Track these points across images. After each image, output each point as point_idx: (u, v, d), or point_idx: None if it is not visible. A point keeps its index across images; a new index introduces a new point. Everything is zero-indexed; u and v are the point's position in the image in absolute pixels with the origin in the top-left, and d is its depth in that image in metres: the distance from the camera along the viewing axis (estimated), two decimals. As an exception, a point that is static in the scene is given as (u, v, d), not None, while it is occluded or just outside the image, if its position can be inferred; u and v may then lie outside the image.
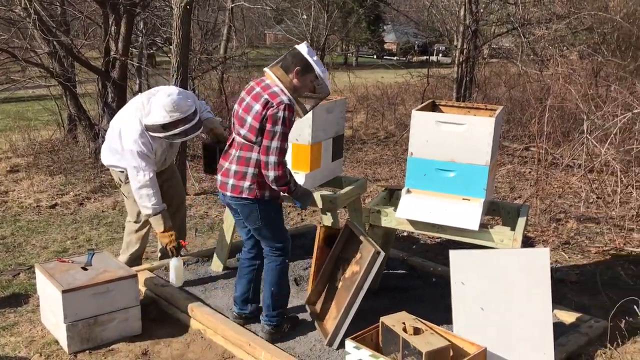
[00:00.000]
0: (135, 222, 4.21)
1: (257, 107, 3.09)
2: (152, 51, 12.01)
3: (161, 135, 3.73)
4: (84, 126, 8.58)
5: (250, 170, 3.17)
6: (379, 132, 11.55)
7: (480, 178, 3.29)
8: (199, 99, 4.39)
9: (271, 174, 3.10)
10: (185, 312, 3.71)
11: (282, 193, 3.29)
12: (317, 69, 3.17)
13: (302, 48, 3.19)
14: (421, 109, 3.54)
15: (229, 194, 3.25)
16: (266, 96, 3.08)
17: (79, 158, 8.33)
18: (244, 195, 3.20)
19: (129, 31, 8.41)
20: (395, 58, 32.63)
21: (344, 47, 29.46)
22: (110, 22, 8.20)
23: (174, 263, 3.95)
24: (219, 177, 3.34)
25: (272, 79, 3.16)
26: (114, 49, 8.30)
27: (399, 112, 12.43)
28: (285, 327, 3.40)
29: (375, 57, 34.57)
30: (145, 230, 4.26)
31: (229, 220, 4.19)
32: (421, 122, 3.37)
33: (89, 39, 10.07)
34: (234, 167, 3.22)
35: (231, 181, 3.22)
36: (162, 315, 3.82)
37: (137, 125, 3.77)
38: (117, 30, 8.27)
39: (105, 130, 8.37)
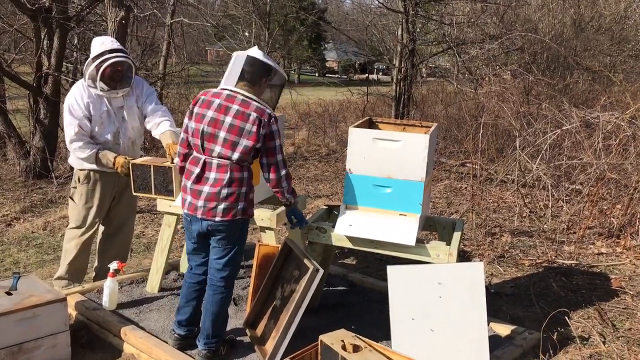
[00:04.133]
0: (77, 227, 4.11)
1: (249, 127, 3.01)
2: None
3: (90, 69, 3.83)
4: (14, 143, 8.23)
5: (243, 190, 3.12)
6: (321, 149, 11.62)
7: (416, 194, 3.33)
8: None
9: (285, 185, 3.19)
10: (118, 336, 3.56)
11: (289, 205, 3.37)
12: (279, 69, 3.23)
13: (257, 54, 3.14)
14: (358, 126, 3.57)
15: (218, 219, 3.10)
16: (254, 114, 3.02)
17: (8, 177, 7.98)
18: (237, 217, 3.13)
19: (62, 46, 8.17)
20: (336, 76, 33.04)
21: (286, 64, 29.58)
22: (42, 36, 7.93)
23: (108, 284, 3.81)
24: (195, 202, 3.13)
25: (245, 95, 3.09)
26: (47, 64, 8.03)
27: (340, 129, 12.55)
28: (222, 349, 3.31)
29: (317, 75, 34.90)
30: (87, 236, 4.12)
31: (164, 241, 4.07)
32: (358, 138, 3.40)
33: (20, 53, 9.70)
34: (225, 190, 3.07)
35: (222, 205, 3.08)
36: (93, 340, 3.65)
37: (76, 85, 4.00)
38: (49, 44, 8.02)
39: (37, 148, 8.16)
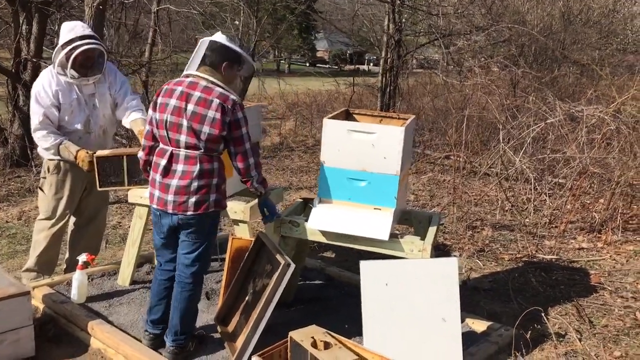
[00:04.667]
0: (47, 219, 4.01)
1: (212, 114, 2.89)
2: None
3: (59, 57, 3.71)
4: (-9, 131, 8.09)
5: (215, 181, 3.02)
6: (308, 140, 11.53)
7: (391, 187, 3.25)
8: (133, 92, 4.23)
9: (254, 174, 3.08)
10: (85, 330, 3.47)
11: (260, 196, 3.25)
12: (243, 54, 3.10)
13: (220, 38, 3.03)
14: (334, 117, 3.48)
15: (189, 213, 3.00)
16: (217, 100, 2.90)
17: (-15, 165, 7.83)
18: (210, 210, 3.03)
19: (42, 31, 8.01)
20: (327, 66, 32.88)
21: (276, 53, 29.40)
22: (21, 21, 7.77)
23: (77, 277, 3.73)
24: (165, 196, 3.02)
25: (208, 80, 2.98)
26: (26, 50, 7.87)
27: (327, 119, 12.44)
28: (190, 345, 3.23)
29: (307, 65, 34.71)
30: (57, 228, 4.01)
31: (135, 233, 3.98)
32: (333, 130, 3.32)
33: (-2, 38, 9.52)
34: (196, 183, 2.97)
35: (193, 199, 2.98)
36: (60, 335, 3.56)
37: (44, 71, 3.90)
38: (28, 29, 7.86)
39: (16, 136, 8.01)
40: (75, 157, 3.78)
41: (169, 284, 3.25)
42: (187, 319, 3.19)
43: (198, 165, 2.97)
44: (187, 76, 3.04)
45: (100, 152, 3.81)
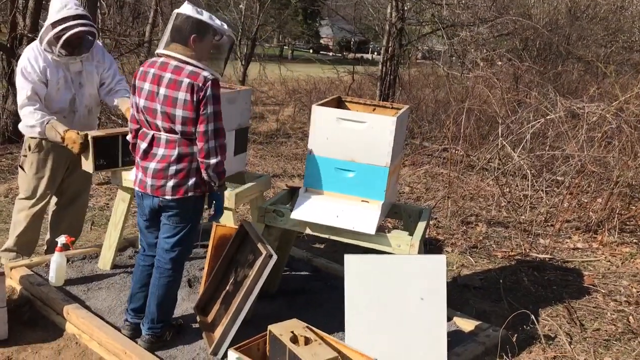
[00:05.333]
0: (27, 198, 3.89)
1: (182, 95, 2.74)
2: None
3: (49, 36, 3.54)
4: (-16, 106, 7.95)
5: (194, 165, 2.88)
6: (305, 127, 11.38)
7: (380, 180, 3.14)
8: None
9: (212, 160, 2.82)
10: (60, 314, 3.37)
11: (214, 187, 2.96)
12: (214, 24, 2.85)
13: (186, 9, 2.82)
14: (325, 104, 3.36)
15: (168, 197, 2.89)
16: (187, 80, 2.74)
17: (-23, 140, 7.70)
18: (189, 195, 2.90)
19: (38, 6, 7.86)
20: (330, 54, 32.63)
21: (279, 39, 29.13)
22: (16, -5, 7.62)
23: (55, 259, 3.63)
24: (145, 179, 2.93)
25: (178, 58, 2.80)
26: (22, 25, 7.73)
27: (327, 107, 12.30)
28: (167, 334, 3.13)
29: (311, 51, 34.43)
30: (37, 208, 3.89)
31: (117, 215, 3.88)
32: (322, 117, 3.19)
33: (-6, 12, 9.35)
34: (174, 167, 2.85)
35: (171, 182, 2.87)
36: (35, 318, 3.46)
37: (30, 47, 3.70)
38: (25, 4, 7.71)
39: (10, 112, 7.88)
40: (63, 138, 3.61)
41: (151, 271, 3.13)
42: (164, 307, 3.09)
43: (177, 149, 2.86)
44: (160, 56, 2.88)
45: (95, 133, 3.66)
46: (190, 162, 2.88)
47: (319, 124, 3.19)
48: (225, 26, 2.93)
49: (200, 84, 2.74)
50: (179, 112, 2.78)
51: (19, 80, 3.66)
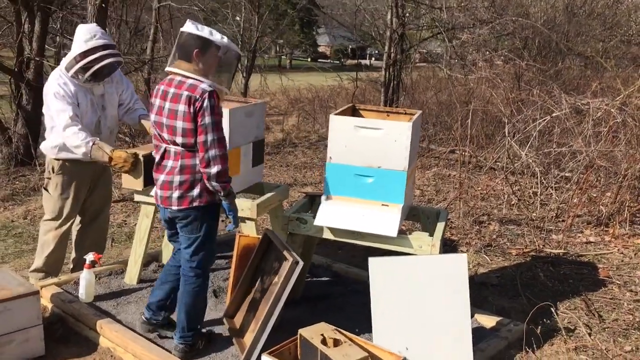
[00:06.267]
0: (53, 219, 3.97)
1: (182, 107, 2.86)
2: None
3: (78, 66, 3.62)
4: (-4, 130, 8.08)
5: (198, 176, 2.98)
6: (311, 135, 11.51)
7: (399, 184, 3.23)
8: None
9: (213, 169, 2.88)
10: (93, 329, 3.47)
11: (220, 197, 3.02)
12: (214, 39, 2.96)
13: (188, 27, 2.96)
14: (340, 113, 3.46)
15: (174, 207, 3.01)
16: (186, 92, 2.86)
17: (-10, 164, 7.82)
18: (194, 205, 3.00)
19: (44, 30, 8.00)
20: (329, 61, 32.80)
21: (277, 49, 29.31)
22: (23, 20, 7.76)
23: (84, 276, 3.72)
24: (157, 190, 3.10)
25: (181, 74, 2.94)
26: (28, 49, 7.86)
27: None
28: (199, 343, 3.23)
29: (309, 60, 34.63)
30: (64, 228, 3.99)
31: (142, 230, 3.97)
32: (339, 126, 3.29)
33: (1, 37, 9.50)
34: (177, 178, 2.98)
35: (176, 194, 2.99)
36: (68, 334, 3.56)
37: (56, 72, 3.75)
38: (31, 28, 7.85)
39: (20, 135, 8.00)
40: (111, 158, 3.63)
41: (175, 271, 3.28)
42: (192, 315, 3.18)
43: (180, 161, 2.99)
44: (168, 73, 3.03)
45: (142, 151, 3.75)
46: (192, 173, 2.99)
47: (337, 133, 3.29)
48: (226, 40, 3.02)
49: (197, 96, 2.86)
50: (179, 124, 2.90)
51: (56, 104, 3.68)
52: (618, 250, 5.18)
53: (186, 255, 3.13)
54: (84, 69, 3.64)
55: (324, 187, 3.42)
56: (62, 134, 3.68)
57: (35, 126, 8.09)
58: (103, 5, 5.63)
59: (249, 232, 3.74)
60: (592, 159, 5.94)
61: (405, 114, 3.70)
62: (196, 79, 2.91)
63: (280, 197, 4.11)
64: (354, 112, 3.80)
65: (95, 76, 3.70)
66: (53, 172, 3.93)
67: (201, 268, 3.16)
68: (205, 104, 2.85)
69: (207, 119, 2.87)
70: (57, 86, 3.68)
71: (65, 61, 3.71)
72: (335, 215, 3.30)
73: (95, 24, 3.98)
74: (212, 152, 2.89)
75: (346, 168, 3.31)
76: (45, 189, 4.02)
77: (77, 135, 3.65)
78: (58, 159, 3.90)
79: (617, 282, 4.50)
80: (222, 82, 3.09)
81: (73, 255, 4.32)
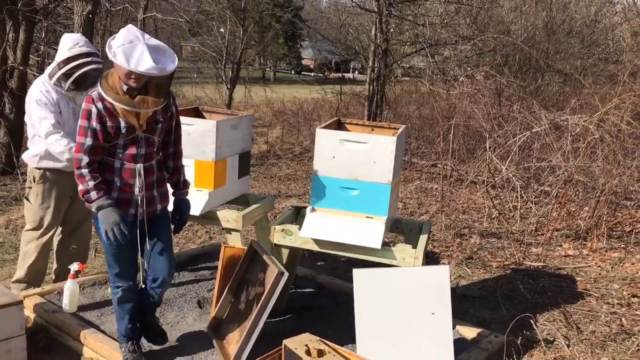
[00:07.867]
0: (34, 229, 3.95)
1: None
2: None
3: (60, 72, 3.66)
4: (-23, 139, 8.01)
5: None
6: (295, 148, 11.57)
7: (383, 196, 3.30)
8: None
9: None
10: (77, 339, 3.46)
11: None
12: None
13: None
14: (326, 127, 3.52)
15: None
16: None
17: (-29, 173, 7.75)
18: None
19: (29, 39, 7.99)
20: (312, 74, 32.99)
21: (261, 61, 29.43)
22: (7, 29, 7.73)
23: (68, 286, 3.71)
24: None
25: None
26: (12, 58, 7.84)
27: (315, 127, 12.46)
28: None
29: (293, 72, 34.81)
30: (46, 238, 3.97)
31: (127, 241, 3.97)
32: (325, 140, 3.35)
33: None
34: None
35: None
36: (52, 344, 3.55)
37: (39, 80, 3.79)
38: (15, 37, 7.83)
39: (2, 144, 7.95)
40: None
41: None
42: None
43: None
44: None
45: None
46: None
47: (322, 146, 3.35)
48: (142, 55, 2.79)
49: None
50: None
51: (38, 111, 3.71)
52: (596, 263, 5.30)
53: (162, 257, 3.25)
54: (66, 75, 3.67)
55: (310, 198, 3.46)
56: (45, 141, 3.73)
57: (17, 135, 8.05)
58: (90, 16, 5.65)
59: (234, 243, 3.78)
60: (570, 174, 6.07)
61: (390, 128, 3.78)
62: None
63: (265, 208, 4.15)
64: (339, 125, 3.86)
65: (78, 84, 3.72)
66: (34, 181, 3.92)
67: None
68: (84, 107, 3.05)
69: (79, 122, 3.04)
70: (39, 93, 3.72)
71: (49, 69, 3.76)
72: (320, 227, 3.35)
73: (80, 34, 4.00)
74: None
75: (332, 180, 3.36)
76: (27, 199, 4.00)
77: (60, 142, 3.69)
78: (39, 168, 3.89)
79: (595, 294, 4.60)
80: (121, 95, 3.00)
81: (55, 266, 4.30)
